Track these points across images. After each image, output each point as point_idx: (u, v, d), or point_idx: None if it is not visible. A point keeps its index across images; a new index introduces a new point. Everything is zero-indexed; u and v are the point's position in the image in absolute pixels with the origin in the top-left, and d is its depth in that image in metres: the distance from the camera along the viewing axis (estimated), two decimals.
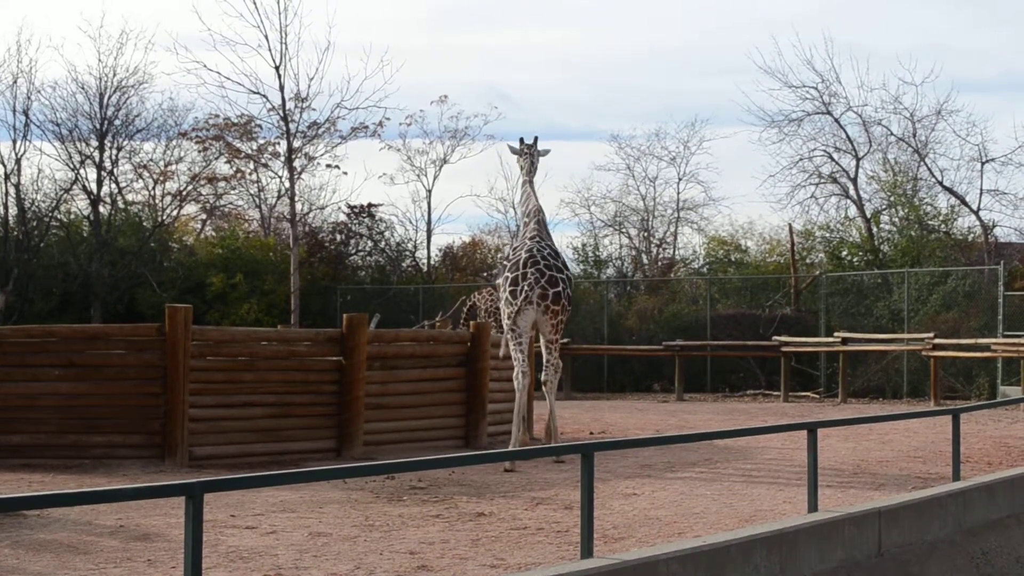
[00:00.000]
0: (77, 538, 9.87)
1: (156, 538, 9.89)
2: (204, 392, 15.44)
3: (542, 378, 16.19)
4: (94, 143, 40.83)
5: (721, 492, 12.83)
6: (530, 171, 17.01)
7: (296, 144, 37.34)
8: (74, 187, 41.17)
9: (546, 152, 17.39)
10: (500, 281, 16.35)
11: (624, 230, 46.70)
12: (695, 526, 10.61)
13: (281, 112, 36.46)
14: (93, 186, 40.93)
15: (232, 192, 45.14)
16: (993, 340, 28.06)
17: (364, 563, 8.87)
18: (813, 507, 9.80)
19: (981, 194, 39.48)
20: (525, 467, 14.43)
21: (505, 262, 16.61)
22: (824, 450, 14.67)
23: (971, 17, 68.79)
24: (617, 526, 10.60)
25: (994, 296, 30.75)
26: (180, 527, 5.74)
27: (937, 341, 28.20)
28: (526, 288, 15.62)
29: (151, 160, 42.67)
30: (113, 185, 41.95)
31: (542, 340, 16.25)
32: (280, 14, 36.47)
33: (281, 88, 36.22)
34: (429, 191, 45.49)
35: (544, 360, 16.25)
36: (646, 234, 46.56)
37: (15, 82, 40.13)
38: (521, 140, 17.21)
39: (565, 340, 16.65)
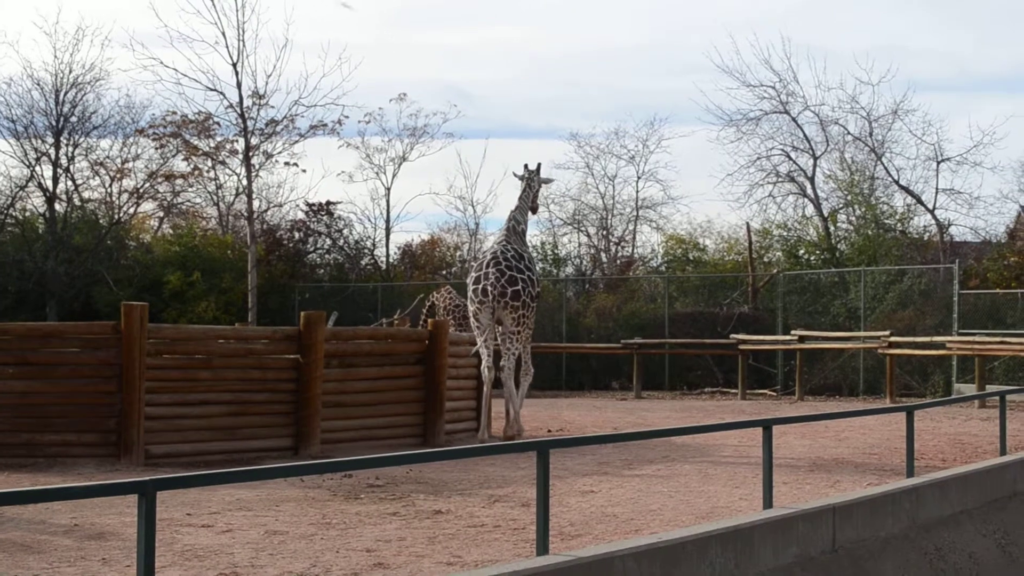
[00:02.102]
0: (31, 537, 9.80)
1: (111, 537, 9.84)
2: (160, 390, 15.37)
3: (500, 363, 17.65)
4: (50, 140, 40.59)
5: (678, 489, 12.87)
6: (524, 195, 18.71)
7: (254, 141, 37.23)
8: (29, 184, 40.93)
9: (549, 181, 19.41)
10: (468, 280, 17.82)
11: (583, 228, 46.82)
12: (652, 523, 10.64)
13: (239, 109, 36.33)
14: (49, 183, 40.69)
15: (190, 190, 44.92)
16: (948, 338, 28.29)
17: (320, 561, 8.85)
18: (768, 504, 9.84)
19: (937, 193, 39.84)
20: (482, 464, 14.43)
21: (473, 263, 17.80)
22: (780, 447, 14.75)
23: (927, 18, 69.29)
24: (574, 523, 10.62)
25: (949, 295, 30.98)
26: (135, 525, 5.71)
27: (893, 339, 28.40)
28: (487, 286, 17.24)
29: (108, 157, 42.46)
30: (69, 182, 41.69)
31: (504, 332, 17.48)
32: (237, 11, 36.56)
33: (239, 85, 36.14)
34: (388, 189, 45.46)
35: (504, 349, 17.59)
36: (605, 232, 46.66)
37: None
38: (525, 166, 18.87)
39: None
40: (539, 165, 18.99)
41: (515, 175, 19.13)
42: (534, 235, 44.03)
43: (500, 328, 17.67)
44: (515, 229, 18.42)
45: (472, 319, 17.80)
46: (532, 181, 18.78)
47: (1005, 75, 71.12)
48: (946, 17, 69.49)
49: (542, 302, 36.95)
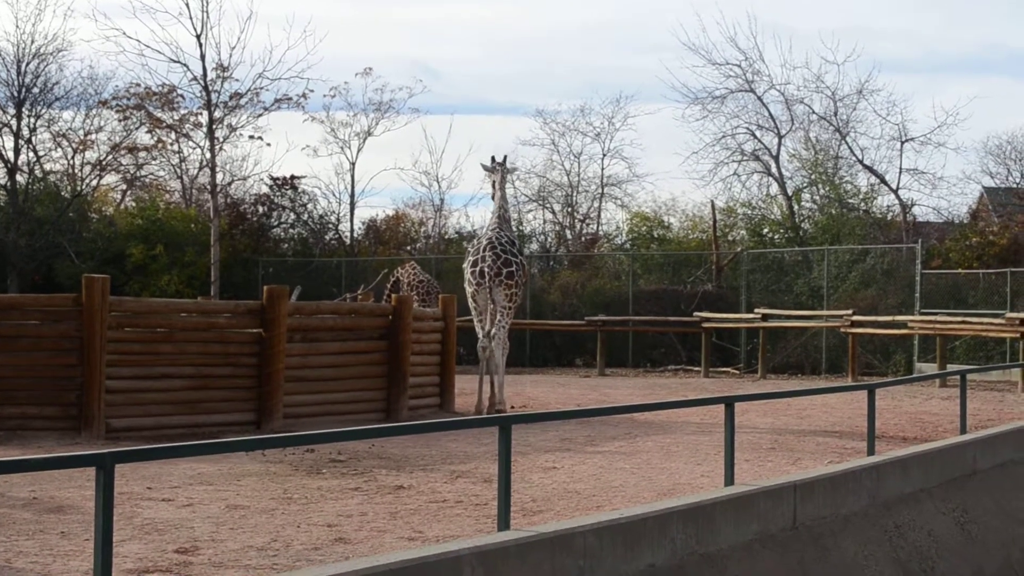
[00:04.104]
0: None
1: (70, 510, 9.78)
2: (121, 363, 15.28)
3: (491, 332, 18.85)
4: (11, 111, 40.24)
5: (640, 466, 12.89)
6: (502, 184, 19.96)
7: (218, 114, 36.96)
8: None
9: (513, 169, 20.83)
10: (465, 264, 19.29)
11: (548, 205, 46.79)
12: (614, 500, 10.66)
13: (203, 82, 36.08)
14: (10, 155, 40.33)
15: (153, 162, 44.64)
16: (910, 317, 28.41)
17: (281, 536, 8.83)
18: (730, 481, 9.87)
19: (900, 173, 40.07)
20: (445, 440, 14.43)
21: (469, 247, 19.52)
22: (742, 425, 14.80)
23: None
24: (536, 499, 10.62)
25: (912, 274, 31.12)
26: (94, 499, 5.70)
27: (855, 318, 28.51)
28: (484, 268, 18.64)
29: (70, 129, 42.14)
30: (31, 154, 41.35)
31: (496, 307, 18.73)
32: None
33: (202, 57, 35.86)
34: (353, 164, 45.24)
35: (495, 321, 18.82)
36: (570, 209, 46.63)
37: None
38: (492, 158, 20.17)
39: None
40: (505, 157, 20.21)
41: (483, 166, 20.36)
42: None
43: (491, 305, 18.87)
44: (504, 216, 19.72)
45: (470, 300, 19.07)
46: (505, 172, 20.17)
47: (970, 56, 71.56)
48: None
49: None
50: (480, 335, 19.14)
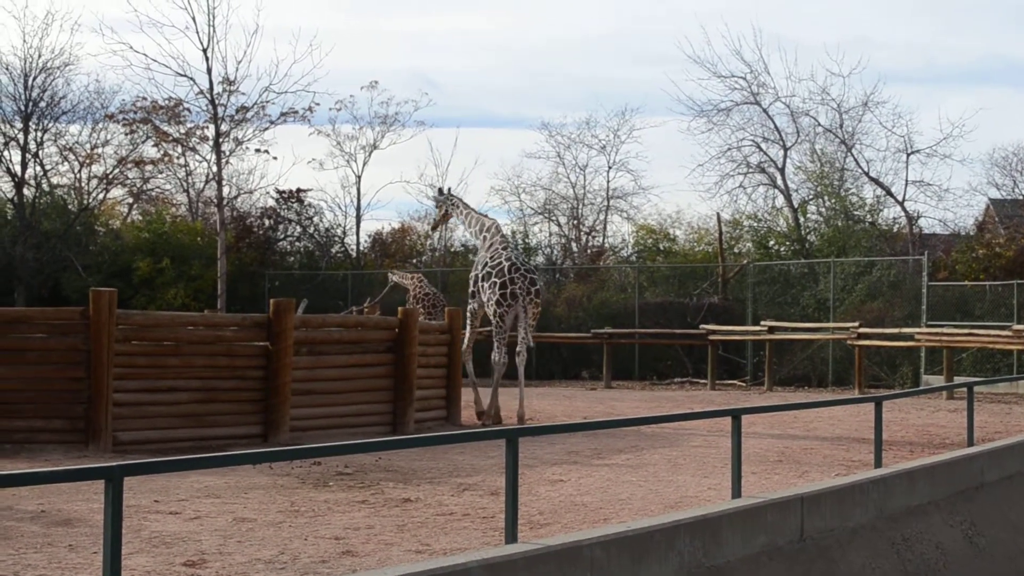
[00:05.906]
0: None
1: (78, 523, 9.79)
2: (128, 377, 15.29)
3: (516, 350, 19.90)
4: (18, 125, 40.31)
5: (647, 478, 12.88)
6: (466, 208, 21.65)
7: (224, 128, 37.04)
8: None
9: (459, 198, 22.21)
10: (486, 284, 20.01)
11: (554, 218, 46.79)
12: (620, 512, 10.65)
13: (209, 95, 36.16)
14: (17, 168, 40.40)
15: (159, 176, 44.74)
16: (917, 330, 28.40)
17: (288, 548, 8.83)
18: (737, 493, 9.85)
19: (906, 185, 40.07)
20: (452, 453, 14.42)
21: (489, 267, 20.08)
22: (749, 437, 14.78)
23: (897, 10, 69.57)
24: (543, 512, 10.62)
25: (918, 286, 31.12)
26: (103, 512, 5.69)
27: (862, 330, 28.49)
28: (516, 290, 19.58)
29: (77, 143, 42.28)
30: (38, 168, 41.48)
31: (521, 325, 19.81)
32: None
33: (209, 71, 35.97)
34: (358, 177, 45.28)
35: (520, 339, 19.84)
36: (576, 222, 46.64)
37: None
38: (440, 191, 22.67)
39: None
40: (449, 188, 22.61)
41: (435, 199, 23.05)
42: (504, 224, 43.94)
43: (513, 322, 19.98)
44: (504, 236, 20.83)
45: (497, 319, 19.75)
46: (458, 199, 21.98)
47: (973, 67, 71.60)
48: (916, 9, 69.84)
49: None
50: (499, 347, 19.80)
